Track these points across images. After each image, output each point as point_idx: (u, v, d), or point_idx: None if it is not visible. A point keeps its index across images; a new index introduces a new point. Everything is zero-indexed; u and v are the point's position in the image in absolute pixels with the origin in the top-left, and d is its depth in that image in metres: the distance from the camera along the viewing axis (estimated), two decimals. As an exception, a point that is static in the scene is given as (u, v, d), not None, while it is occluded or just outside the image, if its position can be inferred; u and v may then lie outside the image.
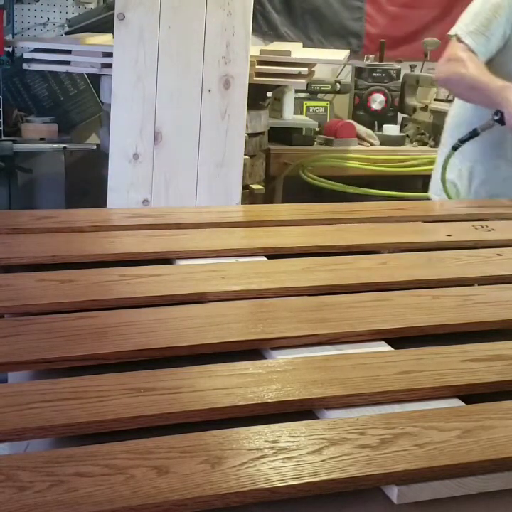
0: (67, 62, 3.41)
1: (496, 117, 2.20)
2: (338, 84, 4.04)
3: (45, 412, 0.99)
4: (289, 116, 3.82)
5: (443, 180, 2.38)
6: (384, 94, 4.01)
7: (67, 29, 4.09)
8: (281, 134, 3.77)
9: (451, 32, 2.34)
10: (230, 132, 3.04)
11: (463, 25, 2.31)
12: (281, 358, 1.20)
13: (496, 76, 2.27)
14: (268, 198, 3.64)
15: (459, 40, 2.29)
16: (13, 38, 3.95)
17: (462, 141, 2.30)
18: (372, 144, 3.88)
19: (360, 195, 3.67)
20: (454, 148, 2.32)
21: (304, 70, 3.36)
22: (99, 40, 3.59)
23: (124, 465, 0.89)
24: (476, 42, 2.27)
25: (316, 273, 1.55)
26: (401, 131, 4.02)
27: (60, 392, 1.04)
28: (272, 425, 0.98)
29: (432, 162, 3.80)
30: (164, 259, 1.63)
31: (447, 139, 2.50)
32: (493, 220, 2.02)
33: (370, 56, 4.14)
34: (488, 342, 1.26)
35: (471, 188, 2.48)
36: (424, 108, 3.95)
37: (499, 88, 2.17)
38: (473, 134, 2.27)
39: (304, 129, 3.84)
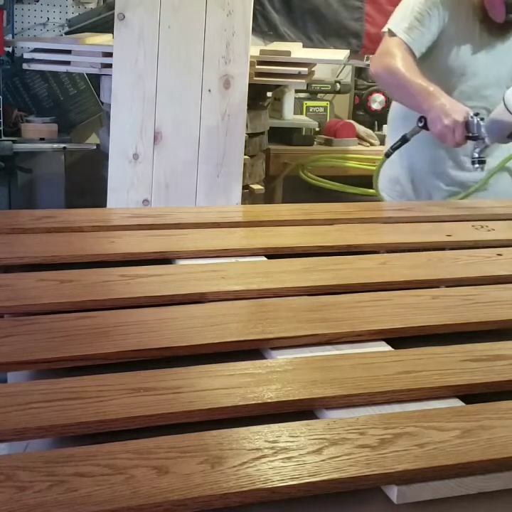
0: (67, 62, 3.40)
1: (420, 124, 2.13)
2: (338, 84, 4.04)
3: (45, 412, 0.99)
4: (289, 116, 3.82)
5: (375, 187, 2.37)
6: (384, 94, 4.01)
7: (67, 29, 4.09)
8: (281, 134, 3.77)
9: (385, 28, 2.28)
10: (230, 132, 3.04)
11: (397, 21, 2.25)
12: (281, 358, 1.20)
13: (435, 72, 2.23)
14: (268, 198, 3.64)
15: (393, 35, 2.23)
16: (13, 38, 3.95)
17: (393, 148, 2.25)
18: (372, 144, 3.88)
19: (360, 195, 3.67)
20: (387, 156, 2.29)
21: (304, 70, 3.36)
22: (99, 40, 3.59)
23: (124, 465, 0.89)
24: (411, 37, 2.22)
25: (316, 273, 1.55)
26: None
27: (60, 392, 1.04)
28: (271, 425, 0.98)
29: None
30: (164, 259, 1.63)
31: (391, 133, 2.45)
32: (493, 220, 2.02)
33: (370, 56, 4.14)
34: (488, 342, 1.26)
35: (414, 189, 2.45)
36: (424, 108, 3.94)
37: (426, 93, 2.10)
38: (403, 140, 2.22)
39: (303, 129, 3.84)
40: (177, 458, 0.91)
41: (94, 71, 3.33)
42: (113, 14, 3.07)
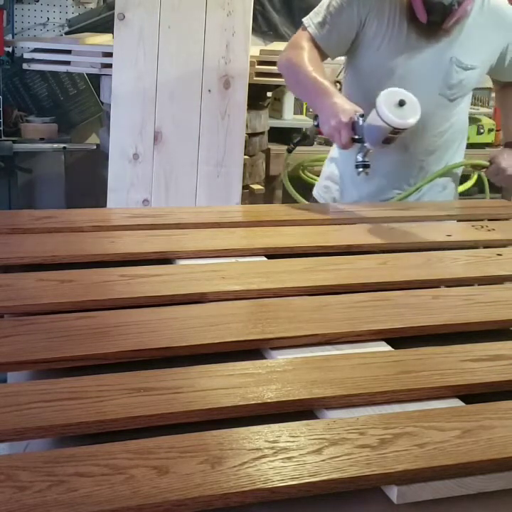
0: (67, 62, 3.41)
1: (315, 123, 2.04)
2: (338, 84, 4.03)
3: (45, 412, 0.99)
4: (289, 116, 3.82)
5: (287, 185, 2.27)
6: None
7: (67, 29, 4.09)
8: (281, 134, 3.77)
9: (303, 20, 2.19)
10: (230, 132, 3.05)
11: (312, 14, 2.15)
12: (281, 358, 1.20)
13: (362, 73, 2.14)
14: (268, 198, 3.64)
15: (306, 29, 2.13)
16: (13, 38, 3.96)
17: (295, 144, 2.17)
18: (372, 144, 3.88)
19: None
20: (289, 151, 2.21)
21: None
22: (99, 40, 3.60)
23: (124, 465, 0.89)
24: (320, 32, 2.10)
25: (316, 273, 1.55)
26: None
27: (59, 392, 1.04)
28: (271, 425, 0.98)
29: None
30: (164, 259, 1.63)
31: None
32: (493, 220, 2.02)
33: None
34: (488, 342, 1.26)
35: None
36: (424, 108, 3.94)
37: (321, 91, 1.98)
38: (303, 137, 2.15)
39: (304, 129, 3.83)
40: (177, 458, 0.91)
41: (94, 71, 3.34)
42: (113, 14, 3.07)
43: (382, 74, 2.10)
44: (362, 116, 1.87)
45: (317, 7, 2.14)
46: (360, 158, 1.91)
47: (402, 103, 1.81)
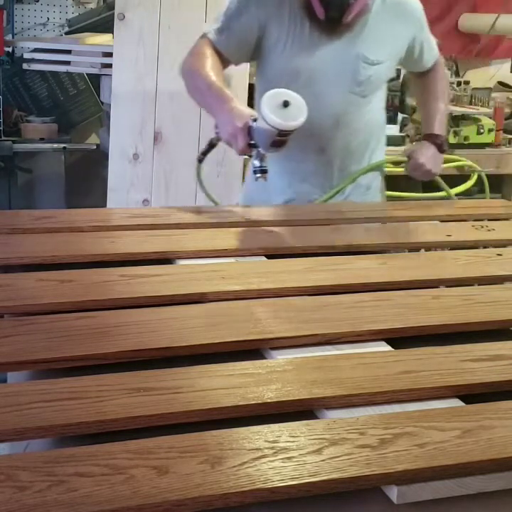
0: (67, 62, 3.41)
1: (217, 130, 1.95)
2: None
3: (45, 412, 0.99)
4: (289, 116, 3.81)
5: (204, 191, 2.21)
6: (384, 94, 4.00)
7: (67, 29, 4.09)
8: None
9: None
10: (230, 132, 3.04)
11: (212, 21, 2.11)
12: (281, 358, 1.20)
13: (270, 77, 2.09)
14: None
15: (205, 36, 2.08)
16: (13, 38, 3.96)
17: (203, 153, 2.11)
18: (372, 144, 3.87)
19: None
20: (199, 161, 2.14)
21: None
22: (99, 40, 3.60)
23: (124, 465, 0.89)
24: (219, 38, 2.04)
25: (316, 273, 1.55)
26: (401, 131, 4.02)
27: (59, 392, 1.04)
28: (271, 425, 0.98)
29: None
30: (164, 259, 1.63)
31: None
32: (493, 220, 2.02)
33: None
34: (488, 342, 1.26)
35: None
36: (424, 108, 3.94)
37: (218, 97, 1.91)
38: (210, 144, 2.08)
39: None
40: (177, 458, 0.91)
41: (94, 71, 3.34)
42: (113, 14, 3.08)
43: (290, 76, 2.05)
44: (255, 120, 1.79)
45: (217, 14, 2.11)
46: (256, 163, 1.85)
47: (286, 104, 1.73)
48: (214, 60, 2.03)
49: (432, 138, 2.24)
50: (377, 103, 2.19)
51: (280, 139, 1.78)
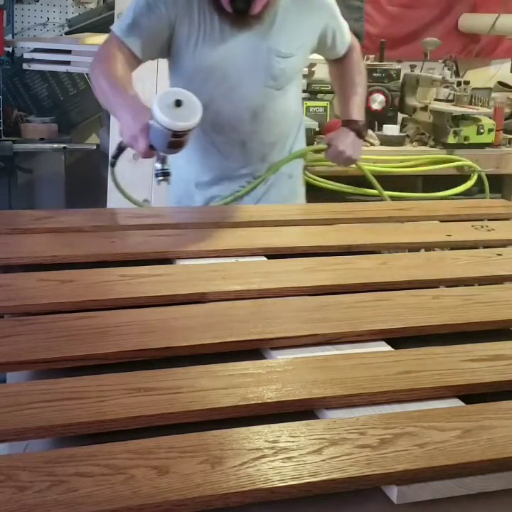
0: (67, 62, 3.41)
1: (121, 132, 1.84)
2: (336, 85, 4.03)
3: (45, 412, 0.99)
4: (289, 116, 3.81)
5: (124, 195, 2.14)
6: (384, 94, 4.00)
7: (67, 29, 4.09)
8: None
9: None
10: (230, 132, 3.04)
11: (121, 18, 2.07)
12: (281, 358, 1.20)
13: (185, 75, 2.06)
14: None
15: (113, 33, 2.02)
16: (13, 38, 3.95)
17: (114, 157, 2.04)
18: (372, 144, 3.88)
19: (359, 195, 3.67)
20: (112, 165, 2.08)
21: (304, 69, 3.36)
22: (99, 40, 3.59)
23: (124, 465, 0.89)
24: (127, 36, 1.98)
25: (316, 273, 1.55)
26: (401, 131, 4.02)
27: (60, 392, 1.04)
28: (272, 425, 0.98)
29: (432, 162, 3.81)
30: (164, 259, 1.63)
31: None
32: (493, 220, 2.02)
33: (370, 56, 4.14)
34: (488, 342, 1.26)
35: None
36: (424, 108, 3.94)
37: (120, 99, 1.85)
38: (120, 148, 1.99)
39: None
40: (177, 458, 0.91)
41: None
42: (113, 14, 3.07)
43: (204, 73, 2.04)
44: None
45: (126, 11, 2.05)
46: (158, 166, 1.77)
47: (178, 103, 1.65)
48: (120, 59, 1.97)
49: (350, 124, 2.24)
50: (293, 93, 2.18)
51: (176, 140, 1.70)
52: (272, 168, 2.19)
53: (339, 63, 2.32)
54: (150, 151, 1.74)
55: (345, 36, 2.25)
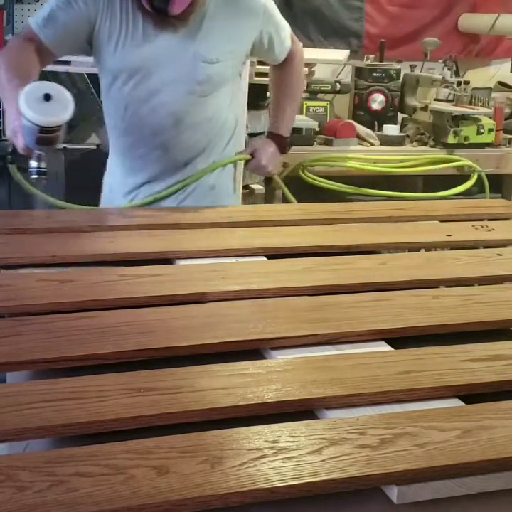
0: (67, 62, 3.40)
1: None
2: (338, 84, 4.03)
3: (45, 412, 0.99)
4: (289, 116, 3.81)
5: (30, 191, 2.05)
6: (384, 94, 4.00)
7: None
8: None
9: None
10: (230, 132, 3.03)
11: (40, 11, 1.99)
12: (281, 358, 1.20)
13: (110, 75, 1.99)
14: (268, 198, 3.64)
15: (30, 26, 1.95)
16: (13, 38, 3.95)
17: (10, 154, 1.96)
18: (372, 144, 3.88)
19: (359, 195, 3.67)
20: (11, 162, 2.00)
21: (304, 70, 3.36)
22: (99, 40, 3.58)
23: (124, 465, 0.89)
24: (43, 29, 1.92)
25: (316, 273, 1.55)
26: (401, 131, 4.02)
27: (59, 392, 1.04)
28: (272, 425, 0.98)
29: (432, 162, 3.81)
30: (164, 259, 1.63)
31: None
32: (493, 219, 2.02)
33: (370, 56, 4.14)
34: (488, 342, 1.26)
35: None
36: (424, 108, 3.94)
37: (9, 94, 1.77)
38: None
39: (304, 129, 3.83)
40: (177, 458, 0.91)
41: (94, 71, 3.33)
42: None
43: (126, 75, 1.98)
44: None
45: (46, 4, 1.99)
46: (33, 164, 1.71)
47: (47, 98, 1.59)
48: (30, 51, 1.91)
49: (277, 138, 2.21)
50: (223, 101, 2.07)
51: (45, 137, 1.63)
52: (193, 177, 2.07)
53: (279, 70, 2.23)
54: (28, 148, 1.69)
55: (284, 41, 2.15)
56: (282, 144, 2.22)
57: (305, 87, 2.36)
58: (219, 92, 2.05)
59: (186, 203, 2.10)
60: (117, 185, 2.14)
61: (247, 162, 2.20)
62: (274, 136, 2.22)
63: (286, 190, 2.33)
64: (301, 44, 2.27)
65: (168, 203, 2.08)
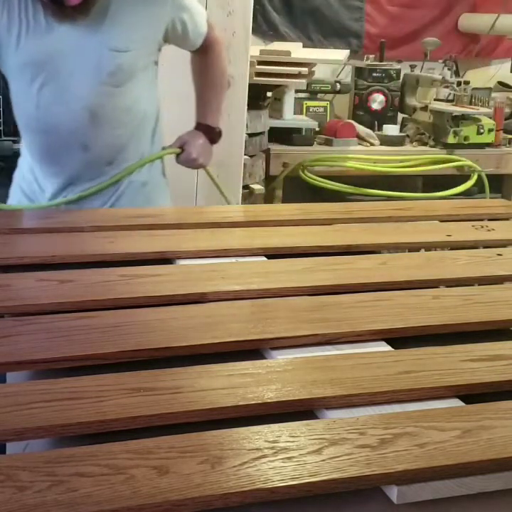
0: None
1: None
2: (338, 84, 4.04)
3: (45, 412, 0.99)
4: (289, 116, 3.83)
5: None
6: (384, 94, 4.01)
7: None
8: (281, 134, 3.77)
9: None
10: (230, 132, 3.04)
11: None
12: (281, 358, 1.20)
13: (17, 72, 1.89)
14: (268, 198, 3.64)
15: None
16: (13, 38, 3.95)
17: None
18: (372, 144, 3.88)
19: (359, 195, 3.67)
20: None
21: (304, 70, 3.37)
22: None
23: (124, 465, 0.89)
24: None
25: (316, 273, 1.55)
26: (401, 131, 4.03)
27: (59, 392, 1.04)
28: (272, 425, 0.98)
29: (432, 162, 3.81)
30: (164, 259, 1.63)
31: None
32: (493, 219, 2.02)
33: (370, 56, 4.15)
34: (488, 342, 1.26)
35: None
36: (424, 108, 3.95)
37: None
38: None
39: (304, 129, 3.84)
40: (177, 458, 0.91)
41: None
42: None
43: (32, 71, 1.88)
44: None
45: None
46: None
47: None
48: None
49: (205, 129, 2.16)
50: (140, 91, 1.99)
51: None
52: (118, 175, 2.00)
53: (199, 57, 2.18)
54: None
55: (199, 26, 2.08)
56: (212, 135, 2.16)
57: (230, 80, 2.22)
58: (134, 81, 1.96)
59: (121, 203, 2.03)
60: (35, 191, 2.03)
61: (177, 156, 2.13)
62: (202, 126, 2.16)
63: (219, 185, 2.26)
64: (222, 34, 2.19)
65: (98, 203, 2.00)
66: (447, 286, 1.55)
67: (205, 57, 2.17)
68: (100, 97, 1.92)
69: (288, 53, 3.41)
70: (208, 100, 2.20)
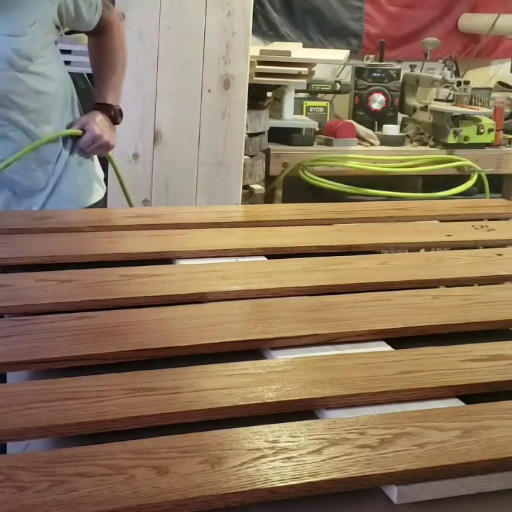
0: (68, 62, 3.39)
1: None
2: (338, 84, 4.04)
3: (45, 412, 0.99)
4: (289, 116, 3.83)
5: None
6: (384, 94, 4.01)
7: (67, 29, 4.08)
8: (281, 134, 3.78)
9: None
10: (230, 132, 3.04)
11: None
12: (281, 358, 1.20)
13: None
14: (268, 198, 3.65)
15: None
16: (13, 38, 3.95)
17: None
18: (372, 144, 3.88)
19: (359, 195, 3.67)
20: None
21: (304, 70, 3.37)
22: (99, 40, 3.58)
23: (124, 465, 0.89)
24: None
25: (316, 273, 1.55)
26: (401, 131, 4.03)
27: (59, 392, 1.04)
28: (272, 425, 0.98)
29: (432, 162, 3.82)
30: (164, 259, 1.63)
31: None
32: (493, 219, 2.02)
33: (370, 56, 4.15)
34: (488, 342, 1.26)
35: None
36: (424, 108, 3.95)
37: None
38: None
39: (304, 129, 3.84)
40: (177, 458, 0.91)
41: (94, 71, 3.32)
42: (113, 14, 3.06)
43: None
44: None
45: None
46: None
47: None
48: None
49: (105, 108, 2.10)
50: (46, 73, 1.98)
51: None
52: (17, 154, 1.93)
53: (98, 39, 2.16)
54: None
55: (93, 7, 2.07)
56: (112, 114, 2.10)
57: (124, 63, 2.18)
58: (37, 65, 1.95)
59: (60, 187, 2.03)
60: None
61: (79, 138, 2.05)
62: (101, 106, 2.11)
63: (121, 175, 2.22)
64: (121, 17, 2.16)
65: (40, 193, 2.01)
66: (447, 286, 1.55)
67: (102, 37, 2.15)
68: (6, 83, 1.91)
69: (288, 53, 3.41)
70: (108, 78, 2.14)
